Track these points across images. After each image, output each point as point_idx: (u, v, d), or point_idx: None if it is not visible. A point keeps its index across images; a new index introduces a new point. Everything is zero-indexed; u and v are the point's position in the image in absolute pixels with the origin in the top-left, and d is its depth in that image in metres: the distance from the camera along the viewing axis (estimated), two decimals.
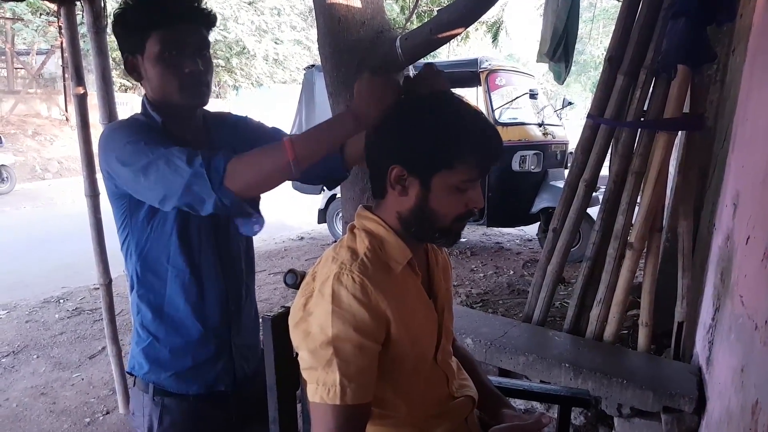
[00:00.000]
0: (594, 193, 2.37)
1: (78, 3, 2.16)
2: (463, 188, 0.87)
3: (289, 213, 7.45)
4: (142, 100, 1.11)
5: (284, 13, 17.98)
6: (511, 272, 4.60)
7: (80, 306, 4.07)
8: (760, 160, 1.32)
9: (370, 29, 2.40)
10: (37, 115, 13.47)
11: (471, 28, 6.79)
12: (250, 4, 17.02)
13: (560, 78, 3.86)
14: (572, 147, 3.88)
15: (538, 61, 3.93)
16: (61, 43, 11.05)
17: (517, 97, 5.19)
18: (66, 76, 11.71)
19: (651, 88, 2.05)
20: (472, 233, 6.20)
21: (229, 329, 1.18)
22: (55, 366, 3.09)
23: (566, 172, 3.27)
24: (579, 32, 3.86)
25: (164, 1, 1.03)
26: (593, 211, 2.46)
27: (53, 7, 2.39)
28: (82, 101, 2.20)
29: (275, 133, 1.22)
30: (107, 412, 2.58)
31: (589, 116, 2.23)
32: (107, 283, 2.34)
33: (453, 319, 1.08)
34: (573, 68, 4.24)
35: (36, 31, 14.23)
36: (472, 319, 2.30)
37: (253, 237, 1.27)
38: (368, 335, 0.83)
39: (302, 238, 6.43)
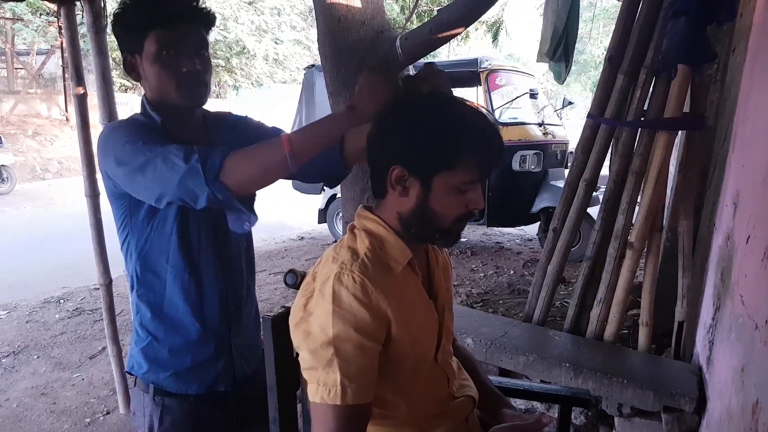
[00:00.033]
0: (594, 193, 2.37)
1: (78, 3, 2.16)
2: (464, 189, 0.87)
3: (289, 213, 7.45)
4: (142, 100, 1.11)
5: (284, 12, 17.98)
6: (512, 272, 4.59)
7: (80, 306, 4.07)
8: (760, 159, 1.32)
9: (370, 29, 2.40)
10: (37, 115, 13.47)
11: (471, 28, 6.78)
12: (250, 4, 17.02)
13: (560, 78, 3.86)
14: (572, 147, 3.88)
15: (538, 61, 3.93)
16: (61, 43, 11.06)
17: (517, 97, 5.19)
18: (66, 76, 11.71)
19: (651, 88, 2.05)
20: (473, 233, 6.20)
21: (229, 329, 1.18)
22: (56, 366, 3.09)
23: (566, 171, 3.27)
24: (579, 32, 3.87)
25: (162, 1, 1.03)
26: (593, 211, 2.46)
27: (53, 7, 2.39)
28: (82, 101, 2.20)
29: (275, 133, 1.21)
30: (107, 413, 2.58)
31: (589, 116, 2.23)
32: (107, 284, 2.34)
33: (453, 318, 1.08)
34: (573, 68, 4.24)
35: (36, 31, 14.23)
36: (472, 318, 2.30)
37: (253, 237, 1.28)
38: (369, 335, 0.83)
39: (302, 238, 6.43)
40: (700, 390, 1.69)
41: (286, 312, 0.97)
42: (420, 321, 0.94)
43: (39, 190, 10.01)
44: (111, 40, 1.60)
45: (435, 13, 3.11)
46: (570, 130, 5.90)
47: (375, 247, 0.91)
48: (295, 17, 18.26)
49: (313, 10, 2.59)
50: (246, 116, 1.26)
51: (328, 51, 2.46)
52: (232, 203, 0.96)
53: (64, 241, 5.98)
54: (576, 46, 3.70)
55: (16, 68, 14.60)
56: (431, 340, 0.98)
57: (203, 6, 1.08)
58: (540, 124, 5.27)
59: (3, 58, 14.56)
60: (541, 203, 4.97)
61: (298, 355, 0.88)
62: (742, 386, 1.19)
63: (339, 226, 5.63)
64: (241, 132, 1.19)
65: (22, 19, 13.80)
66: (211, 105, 1.14)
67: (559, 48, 3.55)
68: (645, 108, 2.06)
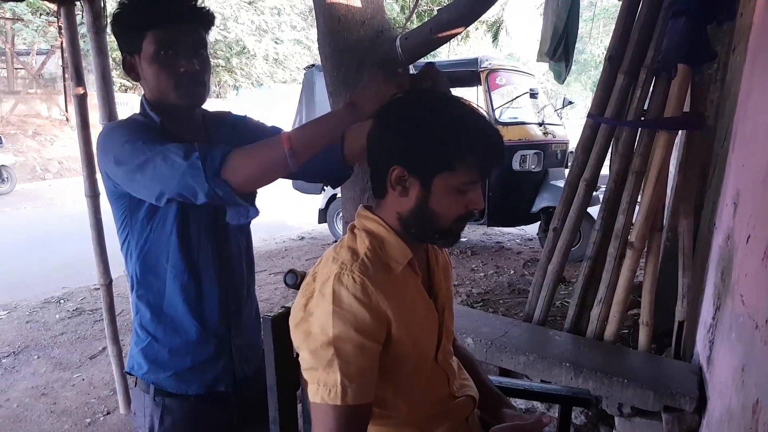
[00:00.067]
0: (594, 193, 2.37)
1: (78, 3, 2.16)
2: (464, 190, 0.87)
3: (289, 213, 7.45)
4: (141, 101, 1.11)
5: (284, 12, 17.98)
6: (512, 272, 4.59)
7: (81, 306, 4.07)
8: (760, 159, 1.32)
9: (370, 29, 2.40)
10: (38, 116, 13.47)
11: (471, 28, 6.78)
12: (250, 3, 17.02)
13: (560, 77, 3.86)
14: (573, 146, 3.88)
15: (538, 61, 3.93)
16: (61, 43, 11.06)
17: (517, 97, 5.19)
18: (66, 76, 11.70)
19: (651, 88, 2.05)
20: (473, 233, 6.20)
21: (229, 329, 1.18)
22: (56, 366, 3.09)
23: (566, 171, 3.27)
24: (579, 31, 3.87)
25: (160, 1, 1.03)
26: (594, 211, 2.46)
27: (53, 7, 2.39)
28: (82, 101, 2.20)
29: (274, 132, 1.21)
30: (108, 413, 2.58)
31: (589, 115, 2.23)
32: (107, 284, 2.34)
33: (453, 318, 1.07)
34: (573, 67, 4.24)
35: (36, 31, 14.22)
36: (472, 318, 2.29)
37: (253, 237, 1.28)
38: (369, 335, 0.83)
39: (303, 238, 6.43)
40: (700, 390, 1.69)
41: (287, 312, 0.97)
42: (420, 321, 0.94)
43: (39, 190, 10.01)
44: (111, 40, 1.60)
45: (435, 12, 3.11)
46: (570, 129, 5.90)
47: (375, 247, 0.90)
48: (295, 17, 18.26)
49: (313, 10, 2.59)
50: (245, 116, 1.26)
51: (328, 51, 2.46)
52: (233, 199, 0.96)
53: (64, 241, 5.99)
54: (576, 45, 3.70)
55: (16, 68, 14.60)
56: (431, 340, 0.98)
57: (202, 6, 1.07)
58: (540, 124, 5.27)
59: (3, 58, 14.56)
60: (541, 203, 4.97)
61: (298, 355, 0.88)
62: (743, 386, 1.18)
63: (339, 226, 5.63)
64: (241, 131, 1.19)
65: (22, 19, 13.81)
66: (212, 105, 1.15)
67: (559, 47, 3.55)
68: (645, 107, 2.05)
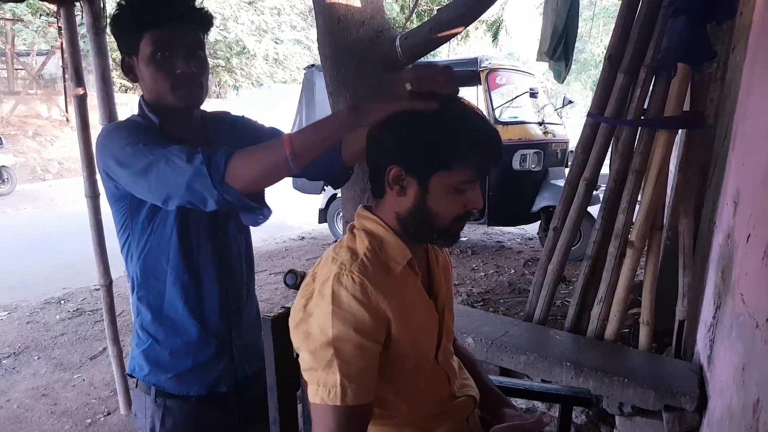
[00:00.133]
0: (594, 192, 2.37)
1: (77, 4, 2.16)
2: (462, 189, 0.87)
3: (289, 213, 7.45)
4: (139, 101, 1.11)
5: (284, 12, 17.97)
6: (512, 271, 4.59)
7: (81, 307, 4.07)
8: (760, 158, 1.32)
9: (369, 29, 2.40)
10: (38, 116, 13.48)
11: (471, 27, 6.78)
12: (250, 4, 17.01)
13: (560, 77, 3.86)
14: (573, 146, 3.88)
15: (538, 60, 3.93)
16: (61, 43, 11.07)
17: (517, 96, 5.19)
18: (66, 76, 11.70)
19: (651, 87, 2.04)
20: (473, 232, 6.20)
21: (230, 330, 1.18)
22: (56, 367, 3.09)
23: (567, 170, 3.27)
24: (579, 31, 3.87)
25: (158, 1, 1.03)
26: (594, 210, 2.46)
27: (53, 7, 2.39)
28: (82, 102, 2.20)
29: (273, 133, 1.21)
30: (108, 413, 2.58)
31: (589, 115, 2.23)
32: (108, 284, 2.34)
33: (454, 318, 1.07)
34: (573, 67, 4.24)
35: (36, 32, 14.22)
36: (473, 318, 2.29)
37: (253, 237, 1.28)
38: (369, 336, 0.83)
39: (303, 237, 6.43)
40: (701, 389, 1.69)
41: (286, 312, 0.97)
42: (420, 321, 0.94)
43: (39, 190, 10.02)
44: (111, 40, 1.60)
45: (435, 12, 3.11)
46: (570, 129, 5.90)
47: (374, 247, 0.90)
48: (295, 17, 18.25)
49: (313, 10, 2.60)
50: (243, 116, 1.26)
51: (328, 51, 2.47)
52: (243, 202, 0.95)
53: (64, 242, 5.99)
54: (576, 44, 3.70)
55: (17, 69, 14.60)
56: (431, 340, 0.98)
57: (200, 6, 1.07)
58: (540, 123, 5.27)
59: (3, 58, 14.57)
60: (541, 202, 4.97)
61: (298, 355, 0.88)
62: (743, 385, 1.18)
63: (339, 226, 5.63)
64: (240, 131, 1.19)
65: (22, 20, 13.81)
66: (212, 105, 1.15)
67: (559, 47, 3.55)
68: (645, 107, 2.05)
